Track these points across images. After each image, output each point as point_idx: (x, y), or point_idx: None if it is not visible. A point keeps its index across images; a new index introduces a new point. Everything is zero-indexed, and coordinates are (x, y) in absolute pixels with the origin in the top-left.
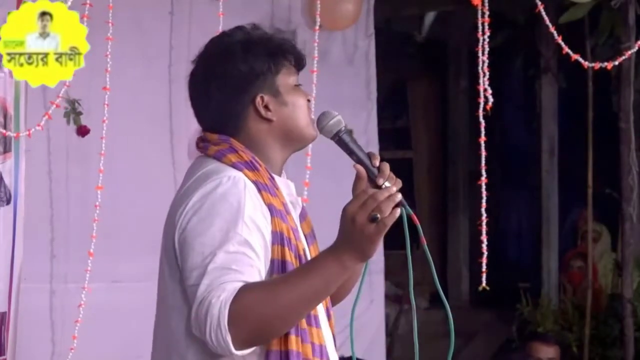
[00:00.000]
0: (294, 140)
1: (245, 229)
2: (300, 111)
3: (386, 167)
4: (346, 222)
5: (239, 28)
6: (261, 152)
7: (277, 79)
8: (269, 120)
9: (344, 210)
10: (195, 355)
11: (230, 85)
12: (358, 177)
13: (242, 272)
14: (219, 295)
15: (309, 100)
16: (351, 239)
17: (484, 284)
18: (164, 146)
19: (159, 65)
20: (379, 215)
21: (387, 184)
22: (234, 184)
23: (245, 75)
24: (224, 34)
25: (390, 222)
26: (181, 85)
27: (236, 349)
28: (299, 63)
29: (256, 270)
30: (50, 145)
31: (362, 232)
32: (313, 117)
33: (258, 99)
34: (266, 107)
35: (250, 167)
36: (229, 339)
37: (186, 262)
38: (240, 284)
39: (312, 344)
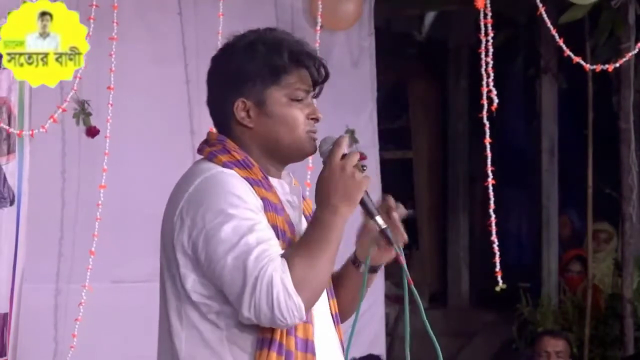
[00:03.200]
0: (276, 154)
1: (241, 203)
2: (286, 127)
3: (390, 200)
4: (334, 173)
5: (269, 29)
6: (249, 154)
7: (268, 89)
8: (248, 126)
9: (329, 165)
10: (189, 348)
11: (221, 81)
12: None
13: (271, 244)
14: (274, 268)
15: (312, 119)
16: (339, 186)
17: (500, 283)
18: (185, 146)
19: (174, 66)
20: (365, 165)
21: (379, 221)
22: (224, 173)
23: (235, 75)
24: (243, 33)
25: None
26: (196, 85)
27: (305, 312)
28: (313, 79)
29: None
30: (57, 146)
31: (352, 177)
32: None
33: (238, 103)
34: (247, 113)
35: (242, 165)
36: (300, 302)
37: (212, 256)
38: (279, 254)
39: (296, 337)
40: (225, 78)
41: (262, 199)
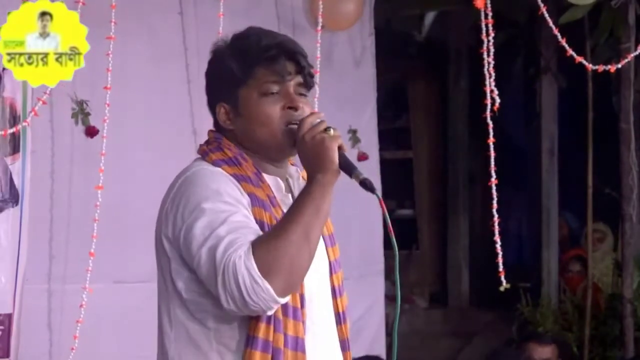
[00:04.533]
0: (260, 151)
1: (217, 197)
2: (259, 124)
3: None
4: (299, 149)
5: (239, 32)
6: (244, 151)
7: (238, 90)
8: (229, 129)
9: (296, 146)
10: (176, 347)
11: (206, 87)
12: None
13: (243, 232)
14: (239, 255)
15: (290, 108)
16: (307, 156)
17: (504, 283)
18: (188, 146)
19: (175, 66)
20: (331, 127)
21: (358, 172)
22: (206, 169)
23: (211, 81)
24: (220, 39)
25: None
26: (197, 85)
27: (279, 295)
28: (283, 69)
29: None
30: (55, 146)
31: (313, 141)
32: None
33: (218, 109)
34: (228, 116)
35: (232, 162)
36: (268, 285)
37: (190, 252)
38: (249, 241)
39: (285, 334)
40: (207, 84)
41: (249, 194)
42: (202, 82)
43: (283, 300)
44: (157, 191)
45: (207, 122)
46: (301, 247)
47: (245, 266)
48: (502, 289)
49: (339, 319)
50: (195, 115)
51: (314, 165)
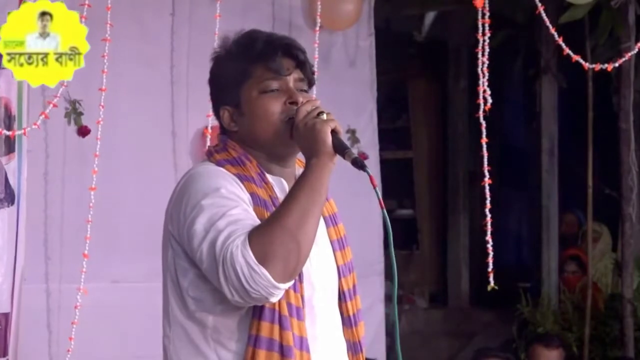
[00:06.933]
0: (265, 149)
1: (216, 193)
2: (259, 120)
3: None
4: (296, 138)
5: (239, 35)
6: (249, 152)
7: (240, 90)
8: (234, 130)
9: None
10: (175, 346)
11: (210, 95)
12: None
13: (243, 224)
14: (236, 245)
15: (291, 103)
16: (301, 143)
17: (491, 283)
18: (166, 147)
19: (160, 67)
20: (324, 111)
21: (350, 152)
22: (207, 169)
23: (213, 86)
24: (228, 43)
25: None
26: (182, 87)
27: (278, 281)
28: (279, 65)
29: (250, 213)
30: (48, 146)
31: (305, 127)
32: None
33: (222, 112)
34: (232, 118)
35: (235, 162)
36: (265, 272)
37: (192, 248)
38: (246, 230)
39: (293, 334)
40: (210, 91)
41: (251, 194)
42: (190, 84)
43: (284, 286)
44: (145, 191)
45: (191, 124)
46: (297, 232)
47: (242, 254)
48: (489, 288)
49: (350, 322)
50: (175, 117)
51: (309, 151)
